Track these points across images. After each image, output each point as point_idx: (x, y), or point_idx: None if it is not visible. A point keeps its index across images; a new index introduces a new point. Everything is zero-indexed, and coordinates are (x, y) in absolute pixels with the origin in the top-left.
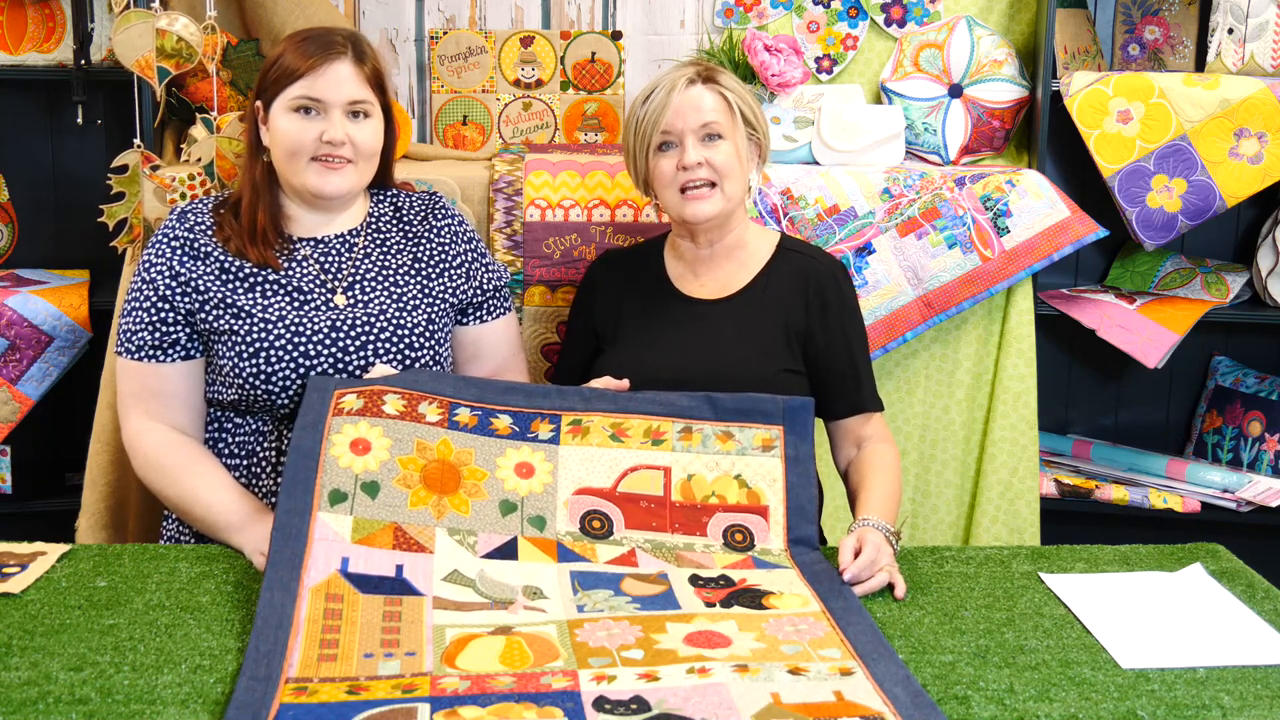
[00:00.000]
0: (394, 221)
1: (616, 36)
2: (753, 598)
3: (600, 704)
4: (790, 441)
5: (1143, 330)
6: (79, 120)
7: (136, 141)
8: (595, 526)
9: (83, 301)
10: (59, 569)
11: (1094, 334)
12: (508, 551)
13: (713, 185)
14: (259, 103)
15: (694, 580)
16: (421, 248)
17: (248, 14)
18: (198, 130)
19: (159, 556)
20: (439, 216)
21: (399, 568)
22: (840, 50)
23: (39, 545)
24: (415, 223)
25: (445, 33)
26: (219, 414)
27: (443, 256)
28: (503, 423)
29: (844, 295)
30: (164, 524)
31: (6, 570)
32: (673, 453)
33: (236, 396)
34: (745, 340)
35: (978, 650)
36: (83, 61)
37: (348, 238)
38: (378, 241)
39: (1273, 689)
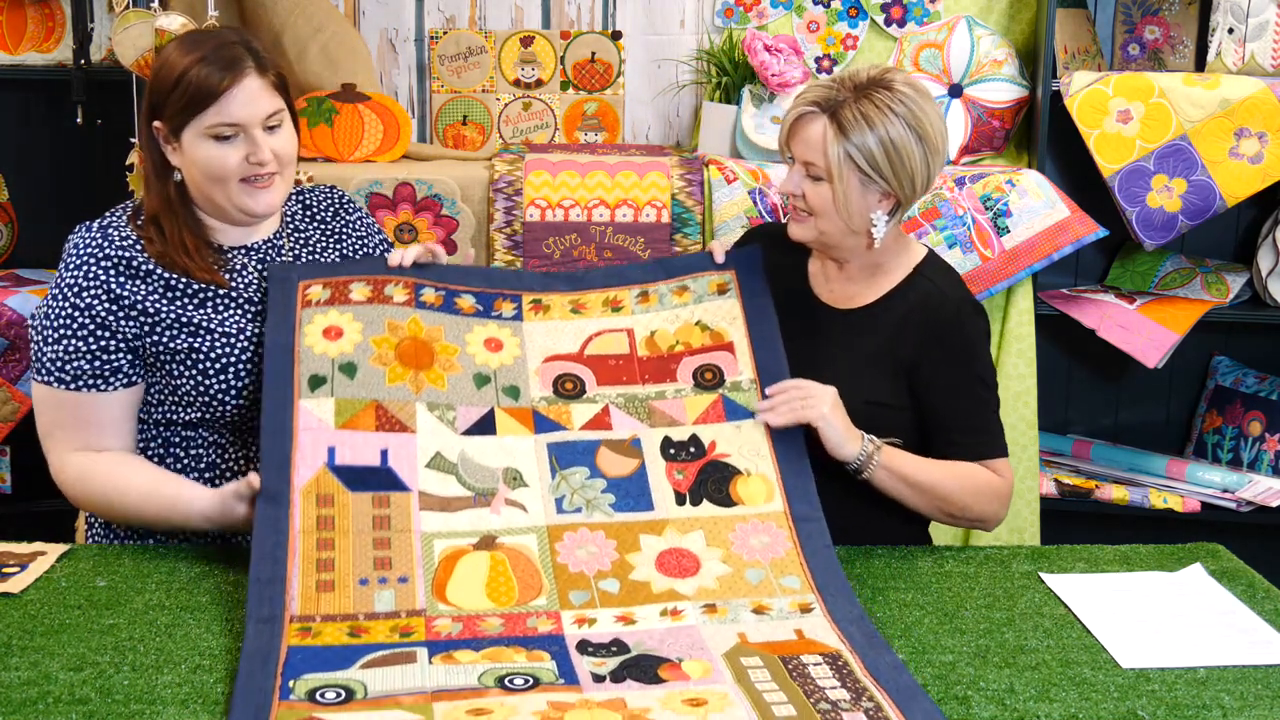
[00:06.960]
0: (307, 219)
1: (616, 36)
2: (719, 483)
3: (583, 647)
4: (743, 281)
5: (1143, 330)
6: (79, 120)
7: (134, 141)
8: (568, 388)
9: None
10: (59, 569)
11: (1094, 334)
12: (486, 425)
13: (810, 213)
14: (159, 124)
15: (665, 449)
16: (344, 242)
17: (248, 14)
18: None
19: (159, 556)
20: (349, 210)
21: (384, 454)
22: (840, 50)
23: (39, 545)
24: (329, 219)
25: (445, 33)
26: (166, 432)
27: (362, 248)
28: (467, 302)
29: (965, 336)
30: (89, 531)
31: (6, 570)
32: (633, 316)
33: (199, 415)
34: (844, 361)
35: (978, 650)
36: (83, 61)
37: (274, 240)
38: (301, 241)
39: (1273, 689)
